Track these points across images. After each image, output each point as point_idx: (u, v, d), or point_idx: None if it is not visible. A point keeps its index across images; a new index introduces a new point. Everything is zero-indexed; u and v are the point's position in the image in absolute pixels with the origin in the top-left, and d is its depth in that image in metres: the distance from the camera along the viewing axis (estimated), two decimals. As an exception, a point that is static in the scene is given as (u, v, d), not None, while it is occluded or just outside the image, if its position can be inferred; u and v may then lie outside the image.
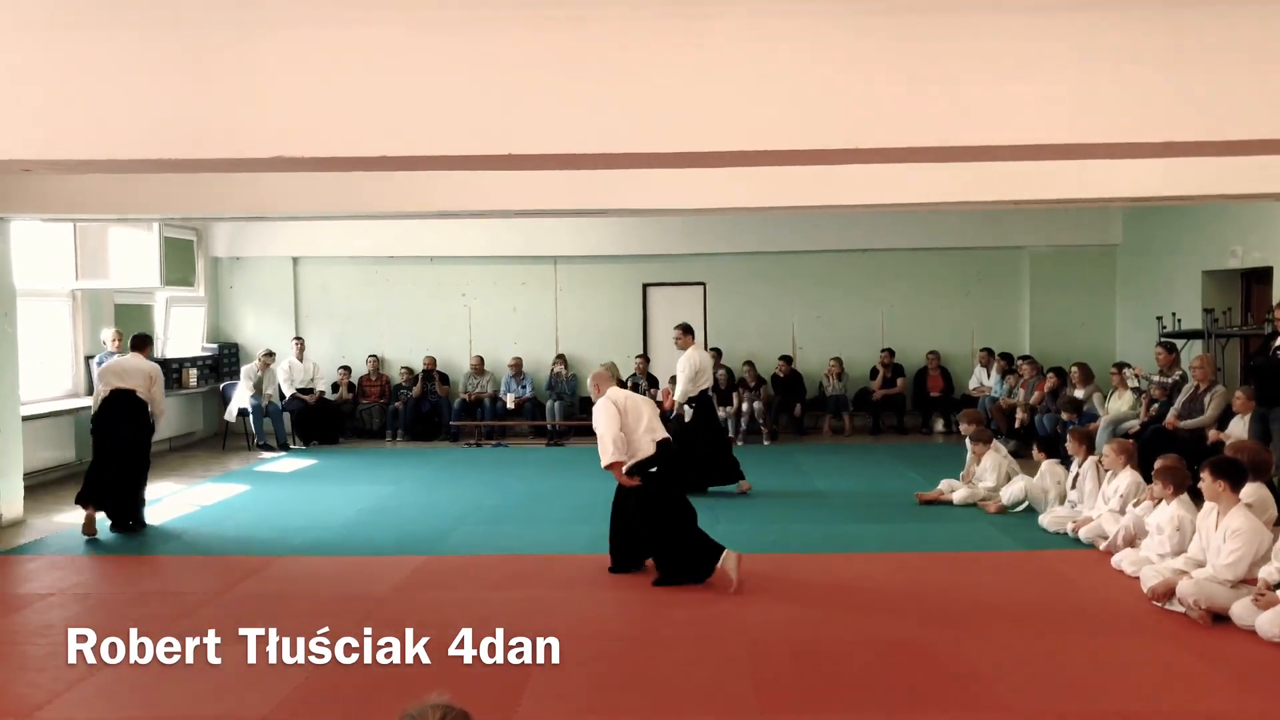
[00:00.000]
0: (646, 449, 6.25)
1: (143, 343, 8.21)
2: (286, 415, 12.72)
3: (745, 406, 12.49)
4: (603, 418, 6.30)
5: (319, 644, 5.04)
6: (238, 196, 8.54)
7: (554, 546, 7.13)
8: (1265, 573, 5.15)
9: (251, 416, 12.19)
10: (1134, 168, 7.93)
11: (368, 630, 5.25)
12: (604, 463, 6.33)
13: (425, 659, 4.86)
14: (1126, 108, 4.33)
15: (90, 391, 10.81)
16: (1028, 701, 4.27)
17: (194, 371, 12.51)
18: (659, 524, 6.14)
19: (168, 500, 9.12)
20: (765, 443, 12.42)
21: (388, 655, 4.86)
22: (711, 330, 13.77)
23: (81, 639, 5.15)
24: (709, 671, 4.65)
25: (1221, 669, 4.62)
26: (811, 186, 8.26)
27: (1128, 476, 6.97)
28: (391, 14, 4.27)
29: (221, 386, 12.86)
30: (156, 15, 4.28)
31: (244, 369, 12.55)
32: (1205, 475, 5.50)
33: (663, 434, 6.36)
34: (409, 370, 13.35)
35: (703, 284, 13.81)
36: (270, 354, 12.64)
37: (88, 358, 10.86)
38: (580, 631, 5.27)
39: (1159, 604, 5.44)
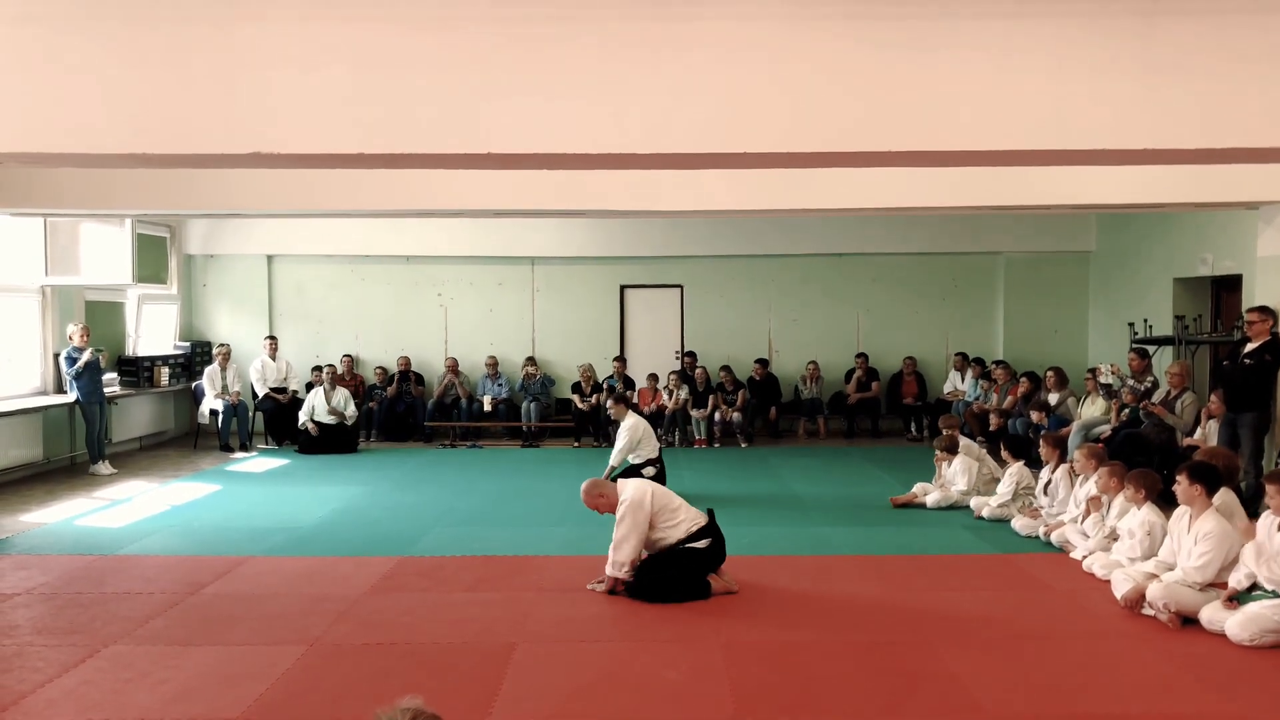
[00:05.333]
0: (679, 534, 5.85)
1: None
2: (259, 415, 12.62)
3: (718, 416, 12.50)
4: (627, 520, 5.83)
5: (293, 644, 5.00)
6: (212, 193, 8.47)
7: (529, 548, 7.09)
8: (1234, 580, 5.21)
9: (221, 417, 12.07)
10: (1109, 175, 8.02)
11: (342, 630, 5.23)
12: (614, 574, 5.84)
13: (398, 660, 4.83)
14: (1103, 115, 4.37)
15: (58, 388, 10.71)
16: (1002, 705, 4.29)
17: (165, 370, 12.37)
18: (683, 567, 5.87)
19: (138, 499, 9.02)
20: (742, 445, 12.45)
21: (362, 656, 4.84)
22: (688, 333, 13.78)
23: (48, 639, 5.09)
24: (685, 674, 4.64)
25: (1192, 671, 4.67)
26: (790, 190, 8.30)
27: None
28: (372, 11, 4.24)
29: (193, 385, 12.72)
30: (133, 9, 4.23)
31: (206, 371, 12.38)
32: (1182, 478, 5.57)
33: (702, 518, 5.94)
34: (383, 370, 13.27)
35: (680, 286, 13.82)
36: (224, 345, 12.53)
37: (56, 355, 10.71)
38: (555, 634, 5.25)
39: (1131, 610, 5.49)
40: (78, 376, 10.20)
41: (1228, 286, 10.56)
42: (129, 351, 12.26)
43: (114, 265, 11.30)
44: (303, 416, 12.02)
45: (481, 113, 4.29)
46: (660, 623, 5.41)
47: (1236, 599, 5.12)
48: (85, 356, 10.19)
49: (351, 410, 12.17)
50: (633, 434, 8.87)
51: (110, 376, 11.24)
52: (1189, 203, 8.47)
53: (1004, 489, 8.13)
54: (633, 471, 8.60)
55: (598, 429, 12.62)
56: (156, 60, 4.22)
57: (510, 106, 4.28)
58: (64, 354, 10.37)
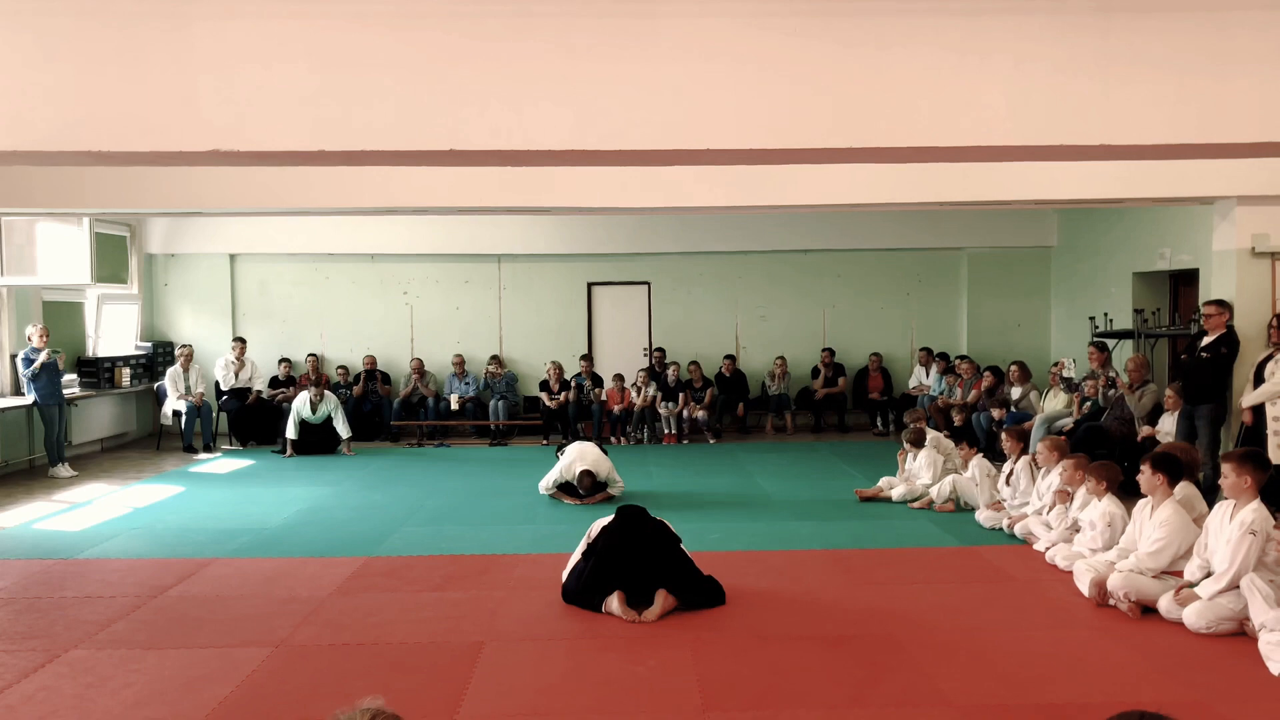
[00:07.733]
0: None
1: None
2: (223, 415, 12.49)
3: (686, 413, 12.52)
4: None
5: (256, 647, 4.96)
6: (173, 191, 8.36)
7: (497, 547, 7.08)
8: (1189, 572, 5.30)
9: (185, 418, 11.92)
10: (1069, 170, 8.12)
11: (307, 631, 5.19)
12: None
13: (365, 661, 4.81)
14: (1062, 111, 4.43)
15: (15, 390, 10.52)
16: (967, 695, 4.33)
17: (127, 371, 12.20)
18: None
19: (99, 502, 8.89)
20: (711, 441, 12.48)
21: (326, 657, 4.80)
22: (656, 330, 13.80)
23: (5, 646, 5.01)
24: (652, 669, 4.65)
25: (1152, 660, 4.74)
26: (755, 187, 8.33)
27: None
28: (332, 7, 4.21)
29: (155, 386, 12.56)
30: (88, 3, 4.16)
31: (169, 372, 12.22)
32: (1145, 468, 5.70)
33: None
34: (345, 370, 13.17)
35: (647, 283, 13.84)
36: (186, 346, 12.38)
37: (14, 356, 10.53)
38: (523, 632, 5.24)
39: (1099, 602, 5.55)
40: (35, 378, 10.04)
41: (1185, 280, 10.74)
42: (89, 352, 12.08)
43: (72, 265, 11.14)
44: (290, 431, 11.61)
45: (443, 110, 4.27)
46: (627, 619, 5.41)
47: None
48: (41, 358, 10.03)
49: (341, 417, 11.79)
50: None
51: (70, 378, 11.07)
52: (1147, 198, 8.59)
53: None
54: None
55: (566, 426, 12.60)
56: (112, 56, 4.16)
57: (472, 104, 4.27)
58: (21, 355, 10.20)
